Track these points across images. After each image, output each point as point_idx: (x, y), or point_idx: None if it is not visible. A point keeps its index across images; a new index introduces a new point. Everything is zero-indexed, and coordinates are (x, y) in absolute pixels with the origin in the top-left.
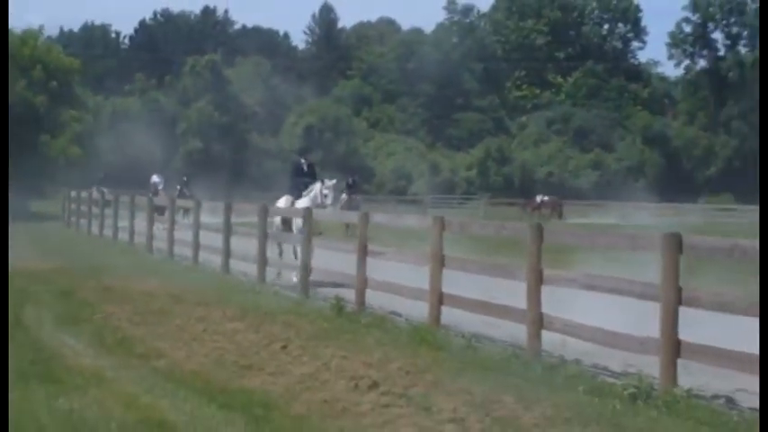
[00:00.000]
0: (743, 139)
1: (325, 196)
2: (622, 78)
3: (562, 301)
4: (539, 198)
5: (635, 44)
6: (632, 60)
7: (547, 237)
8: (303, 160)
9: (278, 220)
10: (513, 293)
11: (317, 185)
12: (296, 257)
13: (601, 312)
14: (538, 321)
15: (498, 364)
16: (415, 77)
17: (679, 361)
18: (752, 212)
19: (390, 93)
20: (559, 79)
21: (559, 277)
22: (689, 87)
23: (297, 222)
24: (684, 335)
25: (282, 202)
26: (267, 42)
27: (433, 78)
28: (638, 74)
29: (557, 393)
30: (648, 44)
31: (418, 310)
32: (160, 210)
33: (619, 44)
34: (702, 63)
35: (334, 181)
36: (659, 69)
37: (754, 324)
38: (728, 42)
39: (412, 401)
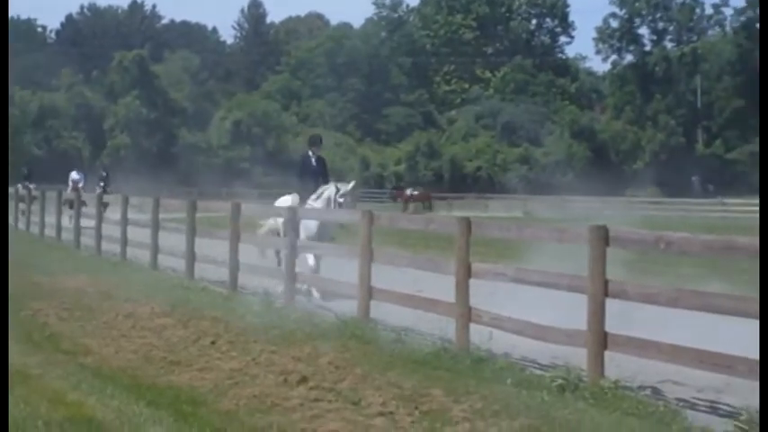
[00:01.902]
0: (669, 132)
1: (340, 205)
2: (550, 73)
3: (492, 295)
4: (408, 191)
5: (563, 39)
6: (560, 55)
7: (475, 230)
8: (311, 153)
9: (279, 222)
10: (443, 287)
11: (331, 189)
12: (279, 263)
13: (530, 305)
14: (466, 315)
15: (427, 357)
16: (344, 72)
17: (606, 353)
18: (679, 205)
19: (319, 88)
20: (488, 74)
21: (488, 271)
22: (616, 82)
23: (307, 226)
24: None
25: (288, 201)
26: (195, 37)
27: (362, 73)
28: (566, 69)
29: (485, 386)
30: (576, 39)
31: (348, 305)
32: (69, 203)
33: (547, 39)
34: (629, 58)
35: (351, 185)
36: (587, 64)
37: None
38: (654, 37)
39: (341, 396)
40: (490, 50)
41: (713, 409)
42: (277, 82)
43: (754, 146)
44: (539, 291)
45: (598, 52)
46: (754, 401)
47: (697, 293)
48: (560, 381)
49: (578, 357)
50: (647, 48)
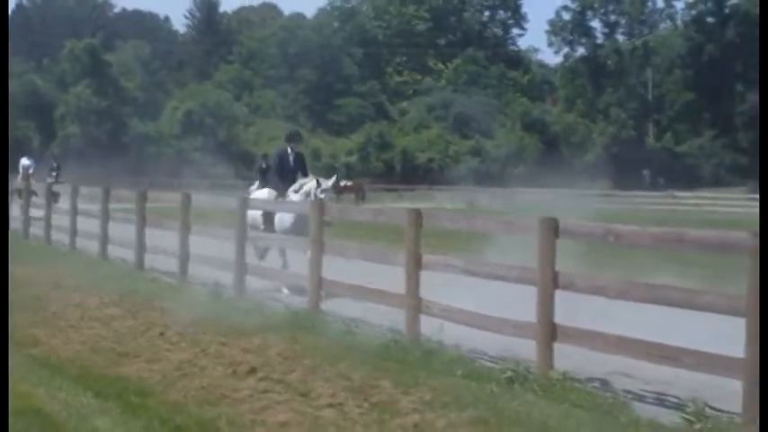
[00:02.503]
0: (621, 125)
1: (321, 200)
2: (502, 65)
3: (442, 286)
4: (342, 182)
5: (515, 31)
6: (512, 47)
7: (425, 221)
8: (289, 149)
9: (257, 215)
10: (393, 278)
11: (311, 183)
12: (284, 263)
13: (480, 297)
14: (416, 306)
15: (377, 349)
16: (296, 63)
17: (555, 344)
18: (629, 197)
19: (271, 78)
20: (440, 65)
21: (438, 262)
22: (568, 75)
23: (282, 220)
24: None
25: (264, 195)
26: (147, 26)
27: (315, 64)
28: (518, 61)
29: (435, 377)
30: (528, 32)
31: (297, 296)
32: (18, 192)
33: (499, 31)
34: (581, 51)
35: (332, 180)
36: (539, 56)
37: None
38: (606, 30)
39: (290, 387)
40: (443, 42)
41: (661, 401)
42: (229, 72)
43: (704, 139)
44: (489, 282)
45: (550, 45)
46: (700, 393)
47: (646, 286)
48: (510, 372)
49: (528, 349)
50: (599, 41)
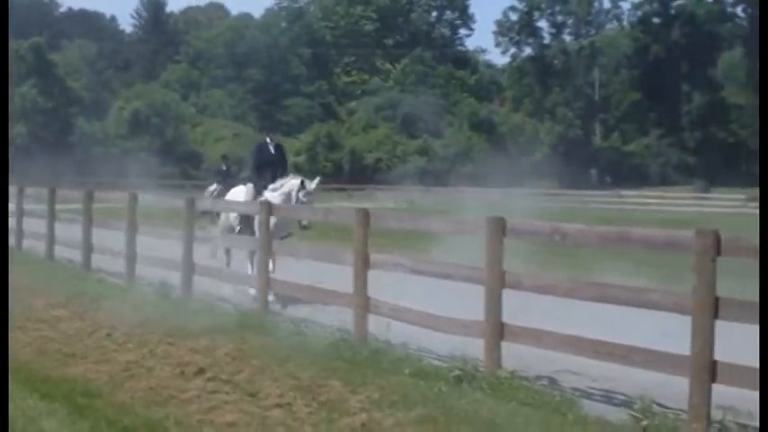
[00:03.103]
0: (568, 125)
1: (303, 204)
2: (450, 65)
3: (390, 286)
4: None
5: (462, 32)
6: (460, 48)
7: (373, 221)
8: (269, 139)
9: (233, 217)
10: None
11: (293, 183)
12: (252, 267)
13: (428, 296)
14: (364, 305)
15: (325, 348)
16: (243, 62)
17: (503, 343)
18: (577, 197)
19: (219, 78)
20: (388, 66)
21: (386, 261)
22: (515, 74)
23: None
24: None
25: (242, 193)
26: (94, 26)
27: (262, 64)
28: (466, 61)
29: (383, 376)
30: (476, 32)
31: (246, 296)
32: None
33: (447, 31)
34: (528, 51)
35: (316, 181)
36: (486, 57)
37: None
38: (553, 31)
39: (238, 387)
40: (390, 42)
41: (608, 398)
42: (176, 72)
43: (651, 138)
44: (437, 281)
45: (497, 45)
46: (648, 391)
47: (592, 284)
48: (458, 371)
49: (476, 348)
50: (546, 41)
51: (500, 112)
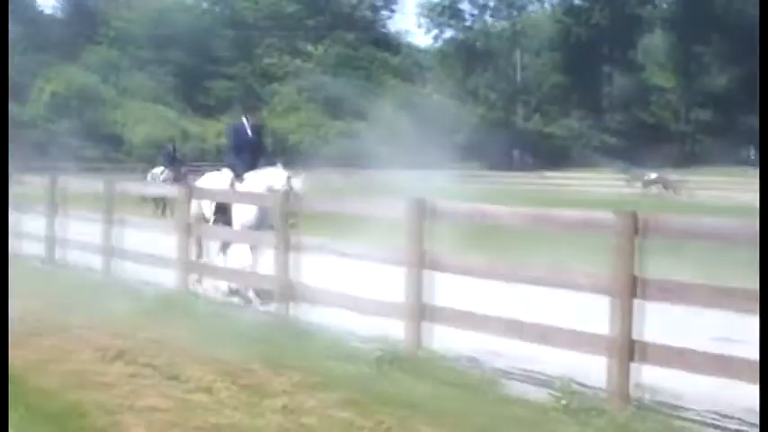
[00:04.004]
0: (490, 106)
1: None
2: (373, 47)
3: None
4: (183, 169)
5: (385, 13)
6: (383, 29)
7: (295, 203)
8: (246, 120)
9: (206, 206)
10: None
11: (278, 177)
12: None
13: (350, 278)
14: (287, 288)
15: (248, 331)
16: (164, 44)
17: (424, 324)
18: (500, 178)
19: (139, 60)
20: (310, 48)
21: (309, 245)
22: (438, 56)
23: (242, 213)
24: None
25: (216, 179)
26: (13, 6)
27: (184, 45)
28: (389, 43)
29: (305, 359)
30: (399, 13)
31: (168, 279)
32: None
33: (369, 13)
34: (451, 33)
35: (302, 178)
36: (409, 38)
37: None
38: (476, 12)
39: (159, 370)
40: (312, 23)
41: (529, 378)
42: (96, 53)
43: (572, 120)
44: (360, 264)
45: (420, 26)
46: (567, 370)
47: (512, 265)
48: (379, 353)
49: (398, 329)
50: (469, 23)
51: (423, 94)
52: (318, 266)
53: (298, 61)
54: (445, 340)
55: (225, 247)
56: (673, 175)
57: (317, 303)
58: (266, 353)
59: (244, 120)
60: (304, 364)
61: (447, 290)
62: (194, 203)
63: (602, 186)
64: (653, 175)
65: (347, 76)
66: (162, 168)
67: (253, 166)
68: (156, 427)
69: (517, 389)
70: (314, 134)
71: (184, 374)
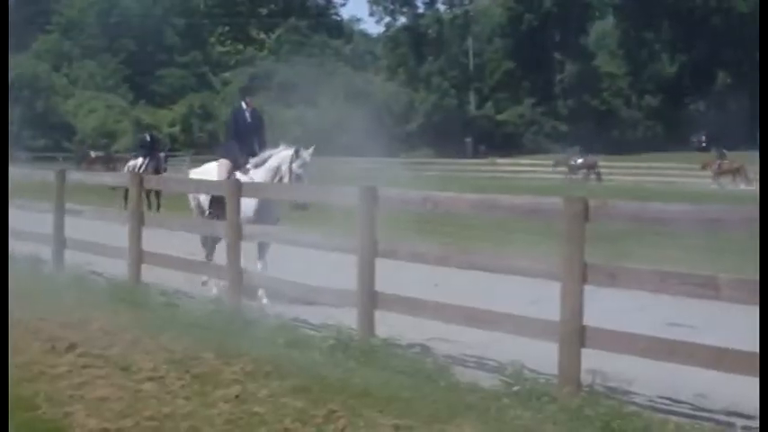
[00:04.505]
0: (442, 94)
1: (299, 177)
2: (325, 35)
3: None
4: (92, 153)
5: (338, 1)
6: (335, 17)
7: (246, 192)
8: (245, 104)
9: (203, 199)
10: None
11: (283, 154)
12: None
13: (303, 266)
14: (237, 276)
15: (199, 320)
16: (116, 33)
17: (376, 312)
18: (452, 165)
19: (91, 48)
20: (262, 35)
21: (259, 233)
22: (389, 44)
23: (243, 204)
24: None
25: (214, 170)
26: None
27: (135, 34)
28: (341, 30)
29: (257, 347)
30: (350, 1)
31: (119, 269)
32: None
33: (322, 1)
34: (403, 20)
35: (311, 150)
36: (361, 26)
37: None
38: (427, 0)
39: (110, 361)
40: (264, 11)
41: (480, 364)
42: (47, 42)
43: (524, 107)
44: (310, 251)
45: (372, 14)
46: (518, 356)
47: (464, 252)
48: (332, 341)
49: (351, 317)
50: (420, 10)
51: (375, 82)
52: (272, 255)
53: (250, 49)
54: (398, 328)
55: (212, 242)
56: (595, 159)
57: (270, 292)
58: (218, 342)
59: (243, 104)
60: (256, 352)
61: (400, 277)
62: (191, 197)
63: (553, 173)
64: (579, 160)
65: (300, 64)
66: (141, 160)
67: (252, 153)
68: (108, 418)
69: (469, 375)
70: (267, 122)
71: (136, 365)
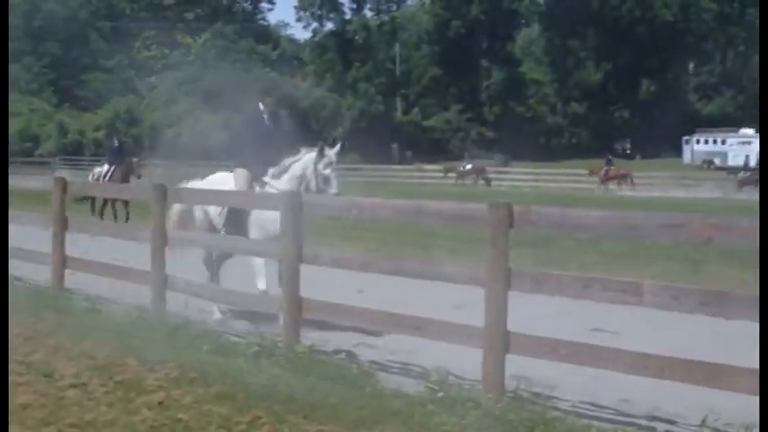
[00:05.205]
0: (369, 100)
1: (326, 180)
2: (251, 40)
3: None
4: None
5: (264, 5)
6: (261, 22)
7: (170, 197)
8: (263, 106)
9: (213, 212)
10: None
11: (308, 158)
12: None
13: (226, 272)
14: (162, 282)
15: (123, 326)
16: (40, 36)
17: (301, 318)
18: (379, 171)
19: (15, 52)
20: (189, 40)
21: (184, 238)
22: (317, 50)
23: (264, 220)
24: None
25: (226, 181)
26: None
27: (60, 38)
28: (268, 35)
29: (181, 354)
30: (278, 6)
31: (42, 275)
32: None
33: (248, 5)
34: (330, 26)
35: (338, 148)
36: (288, 32)
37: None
38: (354, 6)
39: (33, 368)
40: (191, 16)
41: (406, 370)
42: None
43: (451, 113)
44: (236, 258)
45: (299, 20)
46: (443, 362)
47: (388, 258)
48: (256, 347)
49: (276, 323)
50: (348, 16)
51: (302, 87)
52: (196, 261)
53: (176, 54)
54: (323, 334)
55: (219, 260)
56: (483, 165)
57: (196, 298)
58: (142, 348)
59: (260, 105)
60: (180, 359)
61: (325, 283)
62: (198, 209)
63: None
64: (468, 166)
65: (226, 69)
66: (106, 167)
67: (272, 161)
68: (30, 426)
69: (394, 382)
70: (192, 127)
71: (59, 371)
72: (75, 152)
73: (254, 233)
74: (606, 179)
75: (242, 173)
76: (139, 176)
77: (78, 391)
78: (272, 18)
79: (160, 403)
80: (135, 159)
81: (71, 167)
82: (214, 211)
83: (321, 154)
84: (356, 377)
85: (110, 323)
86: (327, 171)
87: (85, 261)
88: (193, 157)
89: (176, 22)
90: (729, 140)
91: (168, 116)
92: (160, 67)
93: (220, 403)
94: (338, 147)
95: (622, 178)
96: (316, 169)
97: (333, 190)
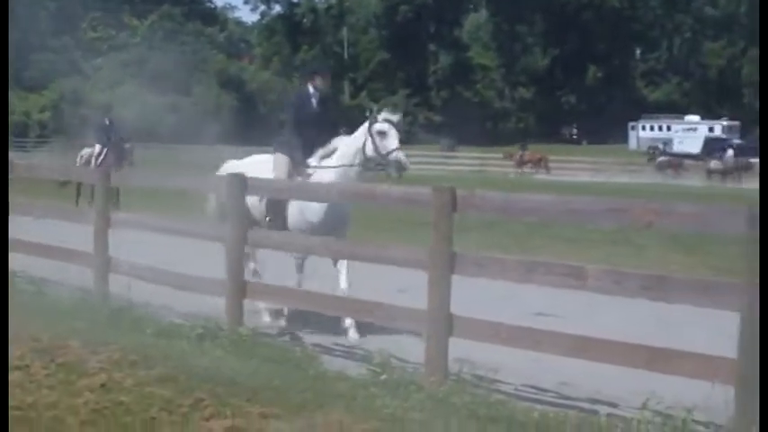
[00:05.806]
0: None
1: (384, 136)
2: (199, 22)
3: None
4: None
5: None
6: (210, 5)
7: (115, 180)
8: (312, 89)
9: (253, 202)
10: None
11: (360, 131)
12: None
13: (171, 255)
14: (105, 265)
15: (66, 309)
16: None
17: (245, 301)
18: None
19: None
20: (135, 21)
21: (128, 220)
22: (264, 32)
23: (307, 210)
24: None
25: (265, 165)
26: None
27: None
28: (215, 18)
29: (124, 336)
30: None
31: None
32: None
33: None
34: (278, 9)
35: (398, 116)
36: (236, 14)
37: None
38: None
39: None
40: None
41: (349, 354)
42: None
43: (398, 98)
44: (181, 240)
45: (246, 2)
46: (386, 345)
47: (333, 242)
48: (200, 330)
49: (220, 306)
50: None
51: (249, 70)
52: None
53: (123, 35)
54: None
55: (301, 263)
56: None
57: (138, 280)
58: (84, 330)
59: (310, 87)
60: (123, 341)
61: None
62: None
63: (426, 164)
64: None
65: (173, 51)
66: (98, 148)
67: (321, 143)
68: None
69: (337, 364)
70: (139, 110)
71: None
72: (20, 134)
73: (298, 222)
74: (521, 163)
75: (282, 159)
76: (131, 163)
77: (21, 373)
78: (220, 0)
79: (102, 386)
80: (127, 145)
81: (16, 149)
82: (254, 198)
83: (373, 120)
84: (300, 360)
85: (53, 306)
86: (386, 127)
87: (30, 243)
88: (144, 140)
89: (123, 4)
90: (675, 127)
91: (114, 98)
92: (106, 49)
93: (162, 386)
94: (400, 114)
95: (537, 162)
96: (371, 131)
97: (393, 145)
